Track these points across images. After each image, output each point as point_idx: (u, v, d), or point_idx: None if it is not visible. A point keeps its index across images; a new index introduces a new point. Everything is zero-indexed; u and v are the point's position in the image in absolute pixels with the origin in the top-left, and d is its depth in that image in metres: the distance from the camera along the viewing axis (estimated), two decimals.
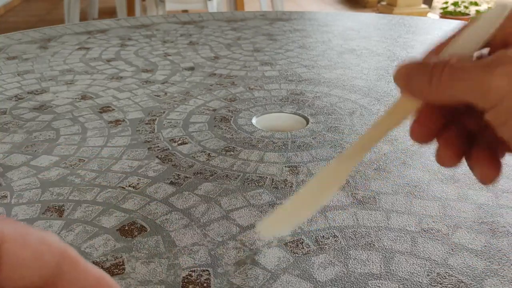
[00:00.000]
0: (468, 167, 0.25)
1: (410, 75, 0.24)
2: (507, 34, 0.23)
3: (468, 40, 0.24)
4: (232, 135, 0.79)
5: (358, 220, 0.57)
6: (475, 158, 0.24)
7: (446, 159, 0.25)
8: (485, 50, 0.24)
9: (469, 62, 0.21)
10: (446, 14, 4.24)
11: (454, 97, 0.22)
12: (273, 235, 0.27)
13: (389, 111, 0.26)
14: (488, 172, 0.24)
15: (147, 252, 0.52)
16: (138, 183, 0.65)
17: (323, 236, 0.54)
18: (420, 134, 0.25)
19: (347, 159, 0.26)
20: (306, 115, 0.87)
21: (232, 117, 0.87)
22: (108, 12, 4.47)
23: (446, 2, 4.33)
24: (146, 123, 0.84)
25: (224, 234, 0.54)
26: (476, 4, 4.29)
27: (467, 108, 0.24)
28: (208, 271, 0.49)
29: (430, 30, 1.49)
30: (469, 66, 0.21)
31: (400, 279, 0.47)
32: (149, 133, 0.80)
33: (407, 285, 0.47)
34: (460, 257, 0.50)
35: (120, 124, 0.84)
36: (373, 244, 0.52)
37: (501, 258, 0.50)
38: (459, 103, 0.22)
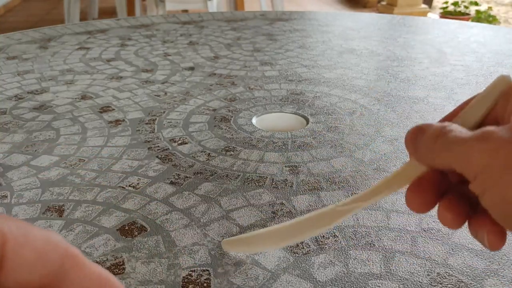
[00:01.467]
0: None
1: (416, 139, 0.25)
2: (501, 112, 0.24)
3: (472, 110, 0.25)
4: (232, 135, 0.79)
5: (358, 220, 0.57)
6: (476, 224, 0.24)
7: (447, 221, 0.25)
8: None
9: (464, 133, 0.23)
10: (446, 14, 4.24)
11: (446, 165, 0.23)
12: (232, 252, 0.28)
13: (396, 172, 0.27)
14: (493, 239, 0.24)
15: (147, 252, 0.52)
16: (138, 183, 0.65)
17: (323, 236, 0.54)
18: (415, 203, 0.25)
19: (342, 208, 0.28)
20: (306, 115, 0.87)
21: (232, 117, 0.87)
22: (108, 12, 4.47)
23: (446, 2, 4.33)
24: (146, 123, 0.84)
25: (224, 234, 0.54)
26: (476, 4, 4.29)
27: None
28: (208, 271, 0.49)
29: (430, 30, 1.49)
30: (459, 137, 0.23)
31: (400, 279, 0.47)
32: (149, 133, 0.80)
33: (407, 285, 0.47)
34: (460, 257, 0.50)
35: (120, 124, 0.84)
36: (373, 244, 0.52)
37: (501, 258, 0.50)
38: (452, 171, 0.23)
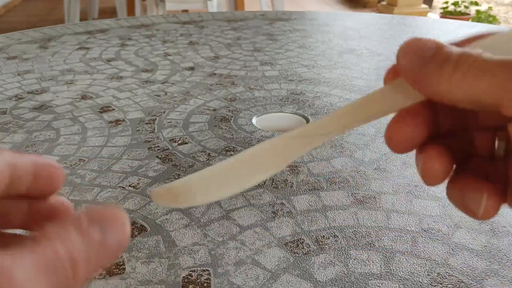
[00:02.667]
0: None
1: (423, 59, 0.19)
2: None
3: (503, 42, 0.20)
4: (232, 135, 0.79)
5: (358, 220, 0.57)
6: (467, 185, 0.20)
7: (432, 173, 0.20)
8: None
9: (502, 58, 0.18)
10: (446, 14, 4.24)
11: (477, 97, 0.18)
12: (169, 205, 0.21)
13: (375, 93, 0.21)
14: (492, 204, 0.20)
15: (147, 252, 0.52)
16: (138, 183, 0.65)
17: (323, 236, 0.54)
18: (398, 138, 0.20)
19: (304, 136, 0.21)
20: (306, 115, 0.87)
21: (232, 117, 0.87)
22: (108, 12, 4.47)
23: (446, 2, 4.33)
24: (146, 123, 0.84)
25: (224, 234, 0.54)
26: (476, 4, 4.29)
27: (478, 118, 0.21)
28: (208, 271, 0.49)
29: (431, 30, 1.49)
30: (507, 62, 0.17)
31: (401, 279, 0.47)
32: (149, 133, 0.80)
33: (407, 285, 0.47)
34: (461, 257, 0.50)
35: (120, 124, 0.84)
36: (374, 244, 0.52)
37: (501, 258, 0.50)
38: (479, 106, 0.18)
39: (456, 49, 0.19)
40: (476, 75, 0.18)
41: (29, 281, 0.14)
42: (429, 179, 0.20)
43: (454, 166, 0.21)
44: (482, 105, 0.18)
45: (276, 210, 0.59)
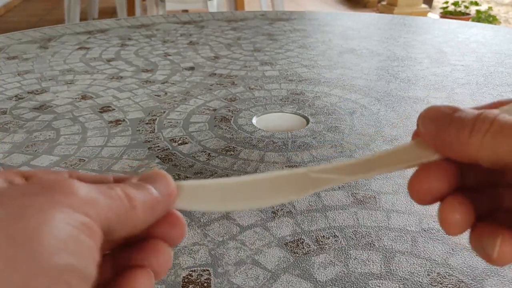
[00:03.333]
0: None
1: (443, 122, 0.20)
2: None
3: None
4: (232, 135, 0.79)
5: (358, 220, 0.57)
6: (485, 231, 0.20)
7: (452, 223, 0.20)
8: None
9: None
10: (446, 14, 4.24)
11: (498, 157, 0.18)
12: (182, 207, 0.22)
13: (398, 149, 0.22)
14: (507, 249, 0.20)
15: None
16: None
17: (324, 236, 0.54)
18: (421, 191, 0.21)
19: (318, 175, 0.22)
20: (306, 115, 0.87)
21: (232, 117, 0.87)
22: (108, 12, 4.47)
23: (447, 2, 4.33)
24: (147, 123, 0.84)
25: (225, 234, 0.54)
26: (476, 4, 4.29)
27: (496, 175, 0.21)
28: (209, 270, 0.49)
29: (431, 30, 1.49)
30: None
31: (401, 279, 0.47)
32: (150, 133, 0.80)
33: (407, 285, 0.47)
34: (461, 257, 0.50)
35: (120, 124, 0.84)
36: (374, 244, 0.52)
37: None
38: (502, 165, 0.19)
39: (470, 113, 0.20)
40: (495, 137, 0.18)
41: (88, 194, 0.17)
42: (449, 228, 0.21)
43: (475, 217, 0.21)
44: (505, 164, 0.18)
45: (276, 210, 0.59)
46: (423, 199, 0.21)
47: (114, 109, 0.90)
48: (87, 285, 0.16)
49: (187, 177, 0.66)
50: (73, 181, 0.17)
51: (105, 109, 0.90)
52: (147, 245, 0.20)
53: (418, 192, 0.21)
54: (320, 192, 0.62)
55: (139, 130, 0.81)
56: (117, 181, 0.22)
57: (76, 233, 0.16)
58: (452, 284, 0.47)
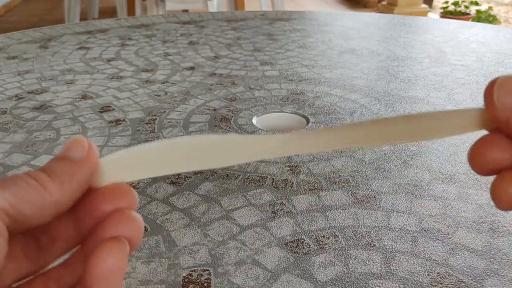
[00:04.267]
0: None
1: None
2: None
3: None
4: None
5: (358, 220, 0.57)
6: None
7: (504, 197, 0.20)
8: None
9: None
10: (446, 13, 4.24)
11: None
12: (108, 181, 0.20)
13: (456, 112, 0.20)
14: None
15: (147, 251, 0.52)
16: (138, 183, 0.65)
17: (324, 236, 0.54)
18: (484, 159, 0.21)
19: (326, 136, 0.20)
20: (306, 114, 0.87)
21: (232, 116, 0.87)
22: (108, 12, 4.47)
23: (447, 2, 4.33)
24: (147, 123, 0.84)
25: (225, 233, 0.54)
26: (476, 3, 4.29)
27: None
28: (209, 270, 0.49)
29: (431, 30, 1.49)
30: None
31: (401, 279, 0.47)
32: (150, 132, 0.80)
33: (407, 285, 0.47)
34: (461, 257, 0.50)
35: (120, 123, 0.84)
36: (374, 244, 0.52)
37: (501, 258, 0.50)
38: None
39: None
40: None
41: None
42: (500, 203, 0.20)
43: None
44: None
45: (276, 210, 0.59)
46: (483, 170, 0.21)
47: (114, 109, 0.90)
48: None
49: (187, 177, 0.66)
50: None
51: (105, 109, 0.90)
52: (109, 215, 0.19)
53: (479, 162, 0.21)
54: (320, 192, 0.62)
55: (139, 130, 0.81)
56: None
57: None
58: (452, 284, 0.47)
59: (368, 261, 0.50)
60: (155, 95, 0.97)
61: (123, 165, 0.20)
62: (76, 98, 0.96)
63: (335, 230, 0.55)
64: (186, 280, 0.47)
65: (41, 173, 0.19)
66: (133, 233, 0.19)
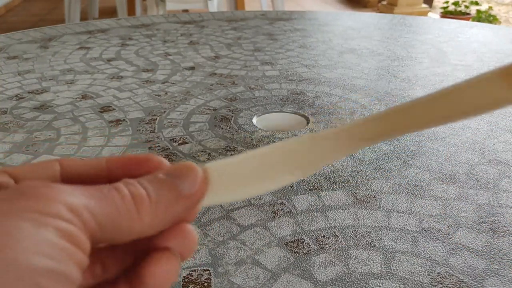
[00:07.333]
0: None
1: None
2: None
3: None
4: (232, 134, 0.79)
5: (358, 220, 0.57)
6: None
7: None
8: None
9: None
10: (446, 13, 4.24)
11: None
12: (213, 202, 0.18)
13: (474, 80, 0.16)
14: None
15: None
16: None
17: (324, 236, 0.54)
18: None
19: (361, 132, 0.18)
20: (306, 114, 0.87)
21: (232, 116, 0.87)
22: (109, 12, 4.47)
23: (447, 2, 4.33)
24: (147, 123, 0.84)
25: (225, 233, 0.54)
26: (476, 3, 4.29)
27: None
28: (209, 270, 0.49)
29: (431, 30, 1.48)
30: None
31: (401, 279, 0.47)
32: (150, 132, 0.80)
33: (407, 285, 0.47)
34: (461, 257, 0.50)
35: (120, 123, 0.84)
36: (374, 244, 0.52)
37: (501, 258, 0.50)
38: None
39: None
40: None
41: (69, 200, 0.15)
42: None
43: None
44: None
45: (276, 210, 0.59)
46: None
47: (115, 109, 0.90)
48: None
49: None
50: (53, 187, 0.16)
51: (105, 109, 0.90)
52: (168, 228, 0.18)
53: None
54: (320, 192, 0.62)
55: (139, 130, 0.81)
56: (124, 166, 0.20)
57: (50, 237, 0.15)
58: (452, 284, 0.47)
59: (368, 261, 0.50)
60: (155, 95, 0.97)
61: (231, 180, 0.18)
62: (76, 98, 0.96)
63: (335, 230, 0.55)
64: (186, 280, 0.47)
65: (142, 191, 0.17)
66: (187, 248, 0.18)
